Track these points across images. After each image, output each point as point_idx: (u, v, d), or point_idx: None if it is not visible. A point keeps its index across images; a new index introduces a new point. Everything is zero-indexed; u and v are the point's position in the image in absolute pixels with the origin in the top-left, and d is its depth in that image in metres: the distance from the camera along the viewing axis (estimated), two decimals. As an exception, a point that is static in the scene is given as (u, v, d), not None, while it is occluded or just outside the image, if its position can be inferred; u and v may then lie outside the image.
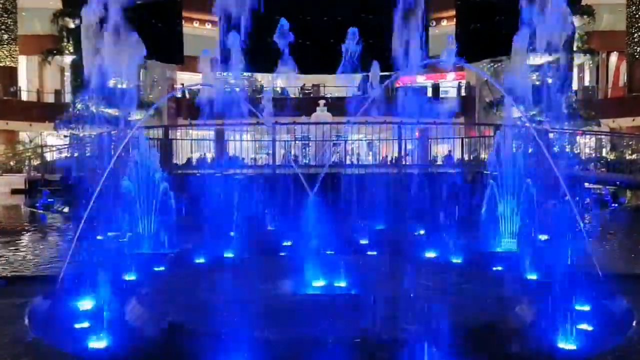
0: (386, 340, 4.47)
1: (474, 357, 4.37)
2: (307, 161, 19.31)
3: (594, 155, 20.44)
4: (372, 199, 11.16)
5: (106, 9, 6.64)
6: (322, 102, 24.60)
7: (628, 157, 18.68)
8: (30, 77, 33.66)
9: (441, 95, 33.00)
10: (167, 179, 9.18)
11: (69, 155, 22.75)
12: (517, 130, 9.73)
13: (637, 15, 27.33)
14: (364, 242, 9.30)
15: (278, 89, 33.16)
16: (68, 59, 26.44)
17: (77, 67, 26.08)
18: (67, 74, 29.58)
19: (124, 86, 24.93)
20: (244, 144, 17.99)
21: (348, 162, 16.25)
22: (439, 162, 20.58)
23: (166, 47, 27.83)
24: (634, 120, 27.03)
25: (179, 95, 33.39)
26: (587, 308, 5.45)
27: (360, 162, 18.89)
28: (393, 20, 5.83)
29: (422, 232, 10.17)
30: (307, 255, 6.11)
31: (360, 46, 12.96)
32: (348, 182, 11.83)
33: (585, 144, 22.05)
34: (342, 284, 6.02)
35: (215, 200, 9.95)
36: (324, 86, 33.72)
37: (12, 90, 29.65)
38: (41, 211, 15.11)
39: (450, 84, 36.62)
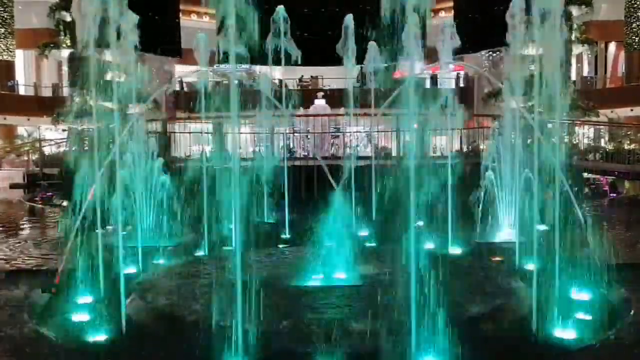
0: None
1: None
2: (305, 153, 19.26)
3: (592, 145, 20.42)
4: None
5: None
6: (320, 93, 24.52)
7: (626, 147, 18.66)
8: (27, 71, 33.50)
9: (439, 86, 32.86)
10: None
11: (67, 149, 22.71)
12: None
13: (635, 5, 27.23)
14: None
15: (276, 80, 32.95)
16: (65, 53, 26.30)
17: (74, 61, 25.98)
18: (65, 67, 29.43)
19: (122, 79, 24.90)
20: (243, 136, 17.97)
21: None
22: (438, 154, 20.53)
23: (163, 40, 27.66)
24: (632, 110, 26.98)
25: (176, 87, 33.25)
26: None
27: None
28: (390, 11, 5.81)
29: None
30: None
31: (358, 37, 12.92)
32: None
33: (584, 134, 22.01)
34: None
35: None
36: (322, 78, 33.57)
37: (9, 85, 29.53)
38: (40, 205, 15.11)
39: (448, 75, 36.45)
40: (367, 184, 11.50)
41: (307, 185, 13.37)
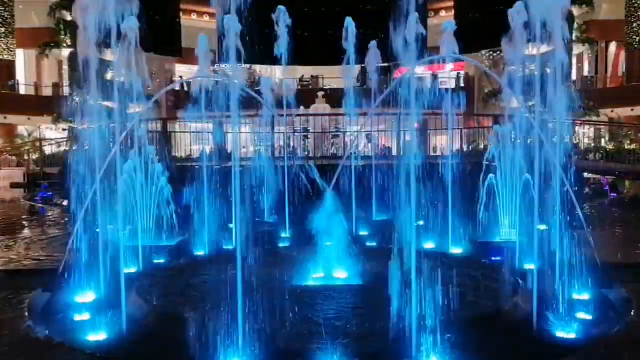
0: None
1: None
2: (306, 153, 19.27)
3: (592, 145, 20.41)
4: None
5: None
6: (320, 93, 24.54)
7: (627, 147, 18.65)
8: (27, 70, 33.49)
9: (440, 86, 32.87)
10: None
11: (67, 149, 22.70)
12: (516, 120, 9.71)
13: (635, 5, 27.22)
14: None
15: (276, 80, 32.97)
16: (65, 52, 26.31)
17: (74, 60, 25.99)
18: (65, 66, 29.43)
19: (122, 78, 24.91)
20: (243, 135, 17.99)
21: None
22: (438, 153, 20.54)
23: (164, 40, 27.68)
24: (632, 109, 26.97)
25: (177, 87, 33.24)
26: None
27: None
28: (391, 10, 5.84)
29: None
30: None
31: (359, 36, 12.91)
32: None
33: (584, 134, 22.01)
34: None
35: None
36: (322, 77, 33.59)
37: (9, 84, 29.53)
38: (40, 204, 15.11)
39: (448, 75, 36.49)
40: (363, 184, 11.51)
41: (306, 184, 13.36)
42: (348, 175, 11.20)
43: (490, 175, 9.48)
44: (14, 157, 24.94)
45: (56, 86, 31.42)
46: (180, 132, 18.38)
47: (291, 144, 19.32)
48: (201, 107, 9.63)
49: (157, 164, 9.25)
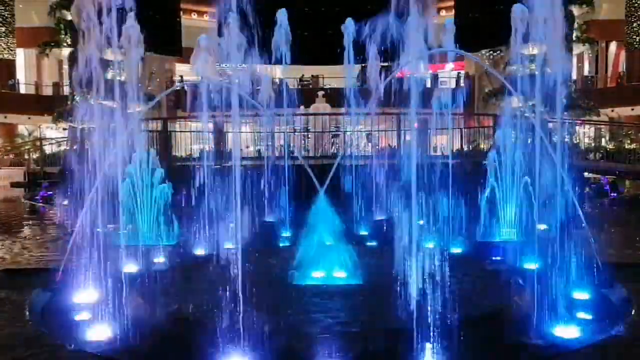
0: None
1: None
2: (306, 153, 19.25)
3: (593, 144, 20.41)
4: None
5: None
6: (320, 93, 24.53)
7: (627, 147, 18.66)
8: (28, 69, 33.51)
9: (440, 86, 32.85)
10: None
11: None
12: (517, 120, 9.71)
13: (636, 5, 27.23)
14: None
15: (276, 79, 32.94)
16: (66, 52, 26.29)
17: (74, 60, 25.98)
18: (65, 66, 29.42)
19: (123, 78, 24.87)
20: (243, 135, 17.98)
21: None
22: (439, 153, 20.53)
23: (164, 39, 27.66)
24: (632, 109, 26.98)
25: (178, 88, 33.18)
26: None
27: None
28: (391, 10, 5.86)
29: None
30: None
31: (359, 36, 12.90)
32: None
33: (585, 134, 22.00)
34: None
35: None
36: (323, 77, 33.58)
37: (10, 84, 29.54)
38: (40, 204, 15.12)
39: (448, 75, 36.48)
40: (361, 184, 11.50)
41: (306, 184, 13.37)
42: (346, 175, 11.19)
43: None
44: (8, 157, 24.97)
45: (56, 86, 31.44)
46: (180, 131, 18.37)
47: (291, 143, 19.32)
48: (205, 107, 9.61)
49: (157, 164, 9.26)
